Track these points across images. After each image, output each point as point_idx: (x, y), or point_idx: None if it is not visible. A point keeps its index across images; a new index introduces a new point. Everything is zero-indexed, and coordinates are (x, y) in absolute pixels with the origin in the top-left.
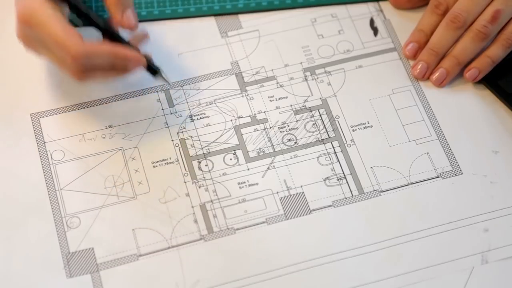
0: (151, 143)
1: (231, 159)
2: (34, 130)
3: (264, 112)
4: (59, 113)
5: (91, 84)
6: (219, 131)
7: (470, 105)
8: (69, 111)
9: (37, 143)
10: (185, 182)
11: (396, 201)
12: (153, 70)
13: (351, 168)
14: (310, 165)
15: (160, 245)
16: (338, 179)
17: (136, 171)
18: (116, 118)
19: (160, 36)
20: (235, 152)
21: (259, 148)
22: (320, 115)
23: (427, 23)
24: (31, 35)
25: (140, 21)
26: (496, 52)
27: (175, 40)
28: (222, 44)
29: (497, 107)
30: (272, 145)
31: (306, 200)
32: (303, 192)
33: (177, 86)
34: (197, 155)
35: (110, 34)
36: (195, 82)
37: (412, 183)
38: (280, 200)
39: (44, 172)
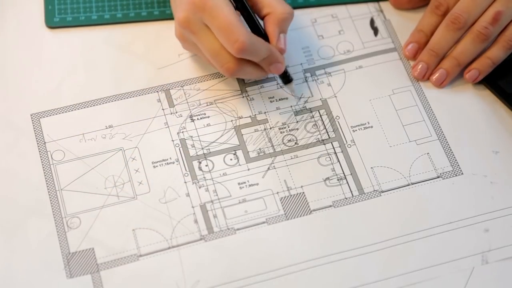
0: (152, 143)
1: (231, 159)
2: (34, 130)
3: (265, 112)
4: (59, 113)
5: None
6: (219, 131)
7: (470, 105)
8: (69, 111)
9: (37, 143)
10: (185, 182)
11: (396, 201)
12: (287, 78)
13: (352, 168)
14: (311, 166)
15: (160, 245)
16: (338, 180)
17: (136, 171)
18: (116, 118)
19: (160, 36)
20: (235, 152)
21: (260, 149)
22: (321, 115)
23: (427, 23)
24: (197, 19)
25: (141, 21)
26: (496, 53)
27: (176, 40)
28: None
29: (497, 107)
30: (273, 146)
31: (307, 200)
32: (303, 192)
33: (177, 86)
34: (197, 155)
35: (260, 34)
36: (195, 82)
37: (413, 184)
38: (281, 200)
39: (44, 172)
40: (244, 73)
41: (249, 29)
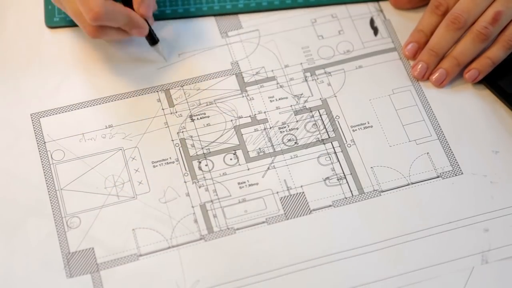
0: (151, 143)
1: (231, 159)
2: (34, 130)
3: (264, 112)
4: (59, 113)
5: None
6: (219, 131)
7: (470, 105)
8: (69, 111)
9: (37, 143)
10: (185, 182)
11: (396, 201)
12: (152, 39)
13: (351, 168)
14: (310, 165)
15: (160, 245)
16: (338, 179)
17: (136, 171)
18: (116, 118)
19: (160, 36)
20: (235, 152)
21: (259, 148)
22: (320, 115)
23: (427, 23)
24: None
25: None
26: (496, 53)
27: (175, 40)
28: (222, 44)
29: (497, 107)
30: (272, 145)
31: (306, 200)
32: (303, 192)
33: (177, 86)
34: (197, 155)
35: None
36: (195, 82)
37: (412, 183)
38: (280, 200)
39: (44, 172)
40: (107, 36)
41: None
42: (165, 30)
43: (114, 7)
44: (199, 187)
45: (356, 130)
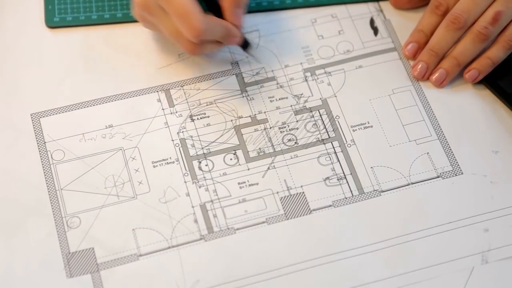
0: (151, 143)
1: (231, 159)
2: (35, 130)
3: (264, 112)
4: (59, 113)
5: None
6: (219, 131)
7: (470, 105)
8: (69, 111)
9: (37, 143)
10: (185, 182)
11: (396, 201)
12: (245, 44)
13: (351, 168)
14: (310, 165)
15: (160, 245)
16: (338, 179)
17: (136, 171)
18: (116, 118)
19: (160, 36)
20: (235, 152)
21: (259, 148)
22: (320, 115)
23: (427, 23)
24: (154, 3)
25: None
26: (496, 53)
27: None
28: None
29: (497, 107)
30: (273, 145)
31: (306, 200)
32: (303, 192)
33: (177, 86)
34: (197, 155)
35: (217, 10)
36: (195, 82)
37: (412, 183)
38: (280, 200)
39: (44, 172)
40: (205, 51)
41: (202, 11)
42: None
43: (212, 21)
44: (199, 187)
45: (356, 130)
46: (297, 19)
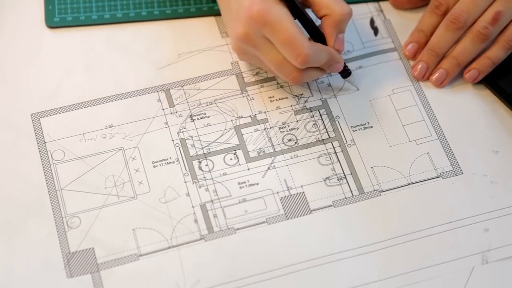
0: (152, 143)
1: (231, 159)
2: (35, 130)
3: (265, 112)
4: (59, 113)
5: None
6: (219, 131)
7: (470, 105)
8: (69, 111)
9: (38, 143)
10: (185, 182)
11: (396, 201)
12: (346, 72)
13: (352, 168)
14: (311, 165)
15: (160, 245)
16: (338, 179)
17: (137, 171)
18: (116, 118)
19: (160, 36)
20: (235, 152)
21: (260, 148)
22: (321, 115)
23: (427, 23)
24: (257, 34)
25: (141, 21)
26: (496, 53)
27: (176, 40)
28: (222, 44)
29: (497, 107)
30: (273, 145)
31: (307, 200)
32: (303, 192)
33: (177, 86)
34: (197, 155)
35: (319, 37)
36: (195, 82)
37: (413, 183)
38: (281, 200)
39: (44, 172)
40: (309, 78)
41: (308, 37)
42: (166, 30)
43: (318, 47)
44: (199, 187)
45: (356, 130)
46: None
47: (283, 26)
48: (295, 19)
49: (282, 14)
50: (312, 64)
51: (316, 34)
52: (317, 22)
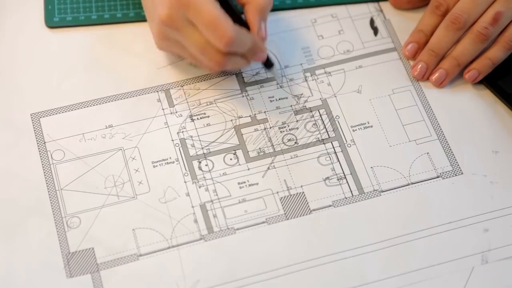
0: (151, 143)
1: (231, 159)
2: (34, 130)
3: (264, 112)
4: (59, 113)
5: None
6: (219, 131)
7: (470, 105)
8: (69, 111)
9: (37, 143)
10: (185, 182)
11: (396, 201)
12: (269, 63)
13: (351, 168)
14: (310, 165)
15: (160, 245)
16: (338, 179)
17: (136, 171)
18: (116, 118)
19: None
20: (235, 152)
21: (259, 148)
22: (320, 115)
23: (427, 23)
24: (181, 17)
25: (141, 21)
26: (496, 54)
27: None
28: None
29: (497, 107)
30: (272, 145)
31: (306, 200)
32: (303, 192)
33: (177, 86)
34: (197, 155)
35: (242, 23)
36: (195, 82)
37: (412, 183)
38: (280, 200)
39: (44, 172)
40: (231, 65)
41: (232, 22)
42: None
43: (242, 31)
44: (199, 187)
45: (356, 130)
46: (297, 19)
47: (207, 8)
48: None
49: None
50: (236, 48)
51: (240, 22)
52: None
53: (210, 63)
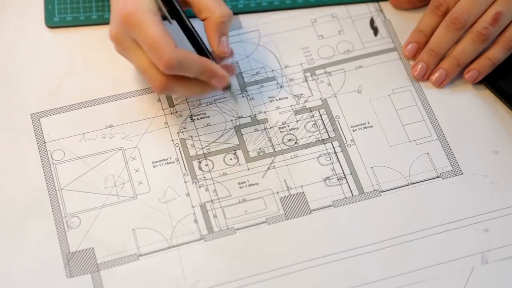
0: (151, 143)
1: (231, 159)
2: (35, 130)
3: (264, 112)
4: (59, 113)
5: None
6: (219, 131)
7: (470, 105)
8: (69, 111)
9: (37, 143)
10: (185, 182)
11: (396, 201)
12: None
13: (351, 168)
14: (310, 165)
15: (160, 245)
16: (338, 179)
17: (136, 171)
18: (116, 118)
19: None
20: (235, 152)
21: (259, 148)
22: (320, 115)
23: (427, 23)
24: (126, 36)
25: None
26: (496, 54)
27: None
28: None
29: (497, 107)
30: (272, 145)
31: (306, 200)
32: (303, 192)
33: None
34: (197, 155)
35: (198, 46)
36: None
37: (412, 183)
38: (280, 200)
39: (44, 172)
40: (178, 90)
41: (175, 44)
42: None
43: (187, 54)
44: (199, 187)
45: (356, 130)
46: (297, 19)
47: (148, 29)
48: (172, 19)
49: (151, 17)
50: (179, 70)
51: (194, 40)
52: None
53: (152, 84)
